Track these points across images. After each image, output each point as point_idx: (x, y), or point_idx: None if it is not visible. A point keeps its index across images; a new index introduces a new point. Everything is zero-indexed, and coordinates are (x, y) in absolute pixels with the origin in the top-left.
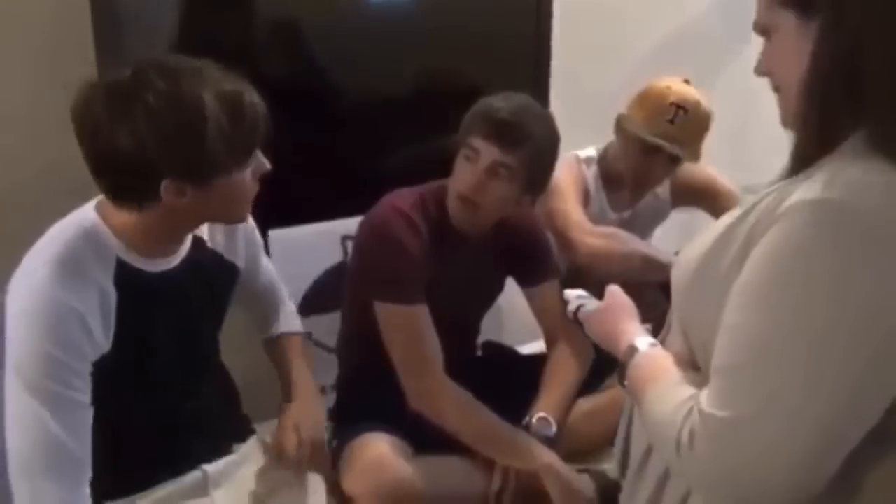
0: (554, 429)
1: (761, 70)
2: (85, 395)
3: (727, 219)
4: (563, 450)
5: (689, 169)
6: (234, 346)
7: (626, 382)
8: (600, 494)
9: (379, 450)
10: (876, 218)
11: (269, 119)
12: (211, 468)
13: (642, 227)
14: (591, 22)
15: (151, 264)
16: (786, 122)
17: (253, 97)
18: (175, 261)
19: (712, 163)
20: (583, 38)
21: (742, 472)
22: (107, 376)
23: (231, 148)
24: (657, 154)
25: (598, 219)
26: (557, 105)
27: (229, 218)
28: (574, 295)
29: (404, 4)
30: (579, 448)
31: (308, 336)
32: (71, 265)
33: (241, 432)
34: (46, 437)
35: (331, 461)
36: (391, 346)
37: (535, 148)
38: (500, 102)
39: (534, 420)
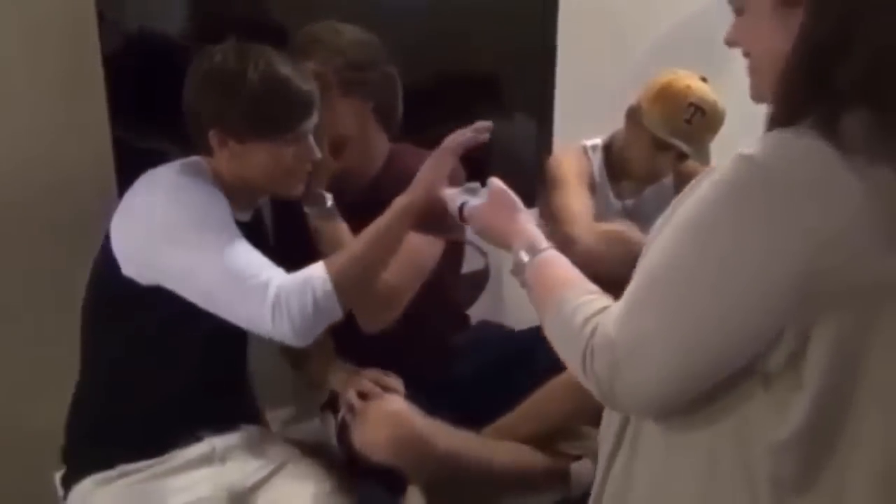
0: None
1: (730, 41)
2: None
3: (691, 183)
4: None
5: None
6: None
7: (525, 279)
8: None
9: (394, 405)
10: (787, 172)
11: (313, 108)
12: (218, 441)
13: (646, 215)
14: (596, 14)
15: (233, 209)
16: (757, 97)
17: (299, 85)
18: (246, 216)
19: (715, 156)
20: (588, 31)
21: (625, 378)
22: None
23: (262, 117)
24: (668, 151)
25: (602, 208)
26: (563, 98)
27: (275, 187)
28: (454, 192)
29: None
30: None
31: None
32: (190, 177)
33: (250, 413)
34: (234, 266)
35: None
36: None
37: (329, 47)
38: None
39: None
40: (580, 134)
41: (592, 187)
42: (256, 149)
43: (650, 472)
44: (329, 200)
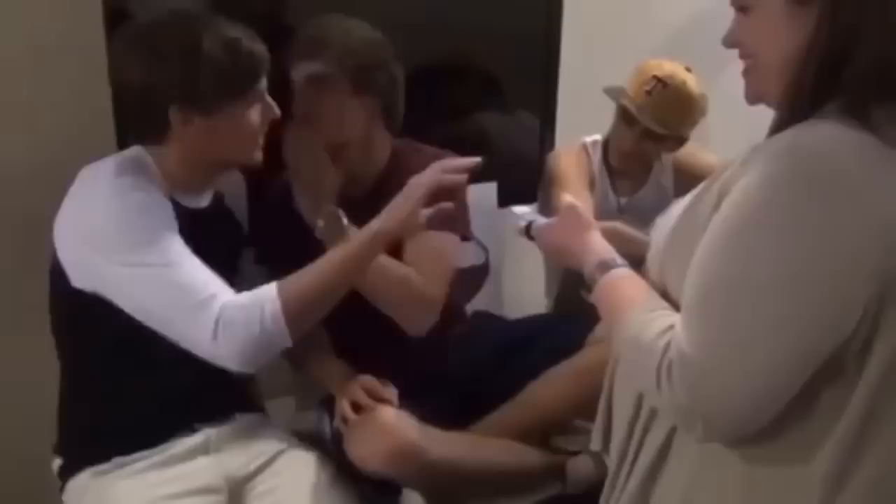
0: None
1: (732, 42)
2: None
3: (705, 182)
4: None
5: (691, 157)
6: None
7: (596, 298)
8: (601, 478)
9: (384, 415)
10: (843, 164)
11: (269, 64)
12: (213, 432)
13: (645, 214)
14: (600, 12)
15: (185, 199)
16: (756, 98)
17: (253, 45)
18: (203, 202)
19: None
20: (591, 28)
21: (709, 406)
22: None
23: (226, 77)
24: (635, 126)
25: (601, 204)
26: (566, 95)
27: (241, 156)
28: (521, 211)
29: None
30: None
31: None
32: (130, 177)
33: (245, 402)
34: (174, 281)
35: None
36: None
37: (339, 47)
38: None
39: None
40: (583, 131)
41: (592, 184)
42: (223, 116)
43: (679, 480)
44: (344, 218)
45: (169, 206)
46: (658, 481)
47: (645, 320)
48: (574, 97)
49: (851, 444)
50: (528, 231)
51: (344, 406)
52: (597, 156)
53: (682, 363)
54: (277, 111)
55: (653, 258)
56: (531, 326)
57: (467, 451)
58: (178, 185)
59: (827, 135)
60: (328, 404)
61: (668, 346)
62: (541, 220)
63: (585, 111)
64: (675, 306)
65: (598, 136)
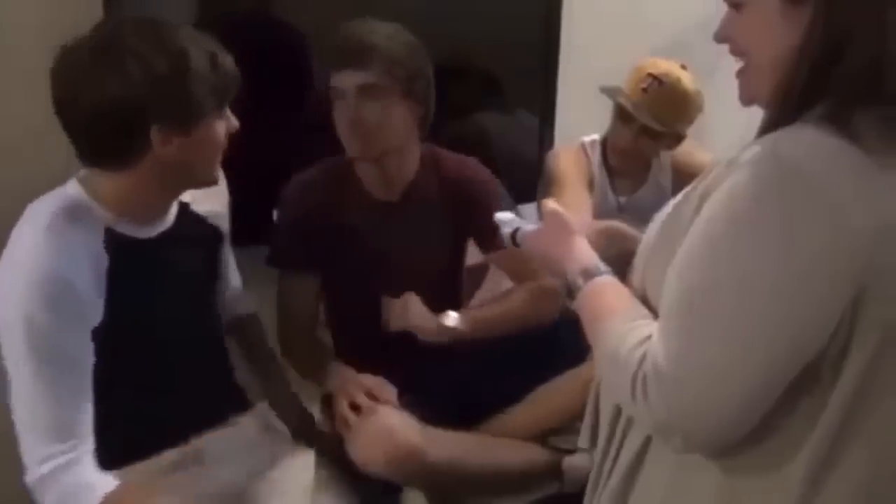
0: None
1: (723, 37)
2: (86, 359)
3: (692, 184)
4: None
5: (689, 156)
6: None
7: (577, 305)
8: None
9: (384, 417)
10: (820, 175)
11: (239, 77)
12: (207, 441)
13: (644, 213)
14: (599, 12)
15: (141, 231)
16: (749, 99)
17: (226, 57)
18: (164, 226)
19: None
20: (591, 28)
21: (687, 421)
22: (102, 342)
23: (213, 90)
24: (632, 124)
25: (600, 204)
26: (565, 95)
27: (207, 175)
28: (507, 217)
29: None
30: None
31: None
32: (59, 234)
33: (237, 404)
34: (49, 402)
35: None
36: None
37: (388, 55)
38: (338, 31)
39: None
40: (582, 131)
41: (591, 183)
42: (199, 133)
43: (657, 485)
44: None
45: (101, 263)
46: (636, 484)
47: (623, 332)
48: (573, 97)
49: (828, 450)
50: (514, 238)
51: (343, 407)
52: (596, 155)
53: (656, 376)
54: (236, 123)
55: (637, 261)
56: (535, 330)
57: (467, 452)
58: (129, 214)
59: (807, 142)
60: (328, 404)
61: (643, 358)
62: (527, 227)
63: (584, 111)
64: (655, 313)
65: (596, 136)
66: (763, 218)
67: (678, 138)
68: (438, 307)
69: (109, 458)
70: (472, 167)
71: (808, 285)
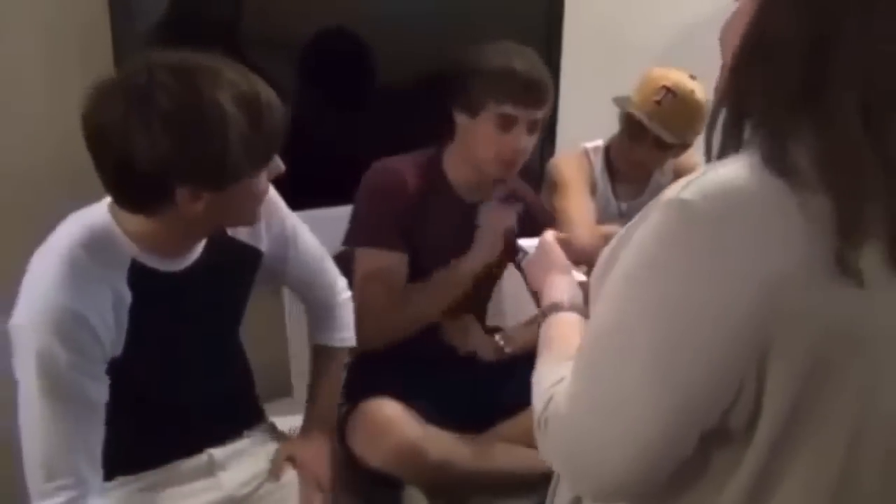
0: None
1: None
2: (98, 395)
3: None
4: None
5: (692, 162)
6: (244, 324)
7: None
8: None
9: (388, 412)
10: (726, 224)
11: (286, 118)
12: (218, 452)
13: None
14: (601, 15)
15: (168, 264)
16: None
17: (270, 96)
18: (192, 258)
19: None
20: (593, 36)
21: (581, 462)
22: (121, 371)
23: (252, 154)
24: (644, 135)
25: (603, 209)
26: (566, 100)
27: (240, 221)
28: (526, 244)
29: None
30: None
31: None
32: (80, 268)
33: (253, 418)
34: (58, 437)
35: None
36: (357, 288)
37: (551, 94)
38: (514, 62)
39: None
40: (583, 138)
41: (593, 189)
42: (236, 189)
43: None
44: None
45: (124, 298)
46: None
47: (545, 371)
48: (575, 102)
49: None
50: (518, 263)
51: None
52: (598, 161)
53: (555, 419)
54: (283, 167)
55: (591, 291)
56: None
57: (467, 455)
58: (156, 250)
59: (720, 182)
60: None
61: (550, 399)
62: (531, 255)
63: (586, 116)
64: None
65: (599, 142)
66: (664, 264)
67: (686, 147)
68: (476, 308)
69: (116, 466)
70: (523, 183)
71: (699, 334)
